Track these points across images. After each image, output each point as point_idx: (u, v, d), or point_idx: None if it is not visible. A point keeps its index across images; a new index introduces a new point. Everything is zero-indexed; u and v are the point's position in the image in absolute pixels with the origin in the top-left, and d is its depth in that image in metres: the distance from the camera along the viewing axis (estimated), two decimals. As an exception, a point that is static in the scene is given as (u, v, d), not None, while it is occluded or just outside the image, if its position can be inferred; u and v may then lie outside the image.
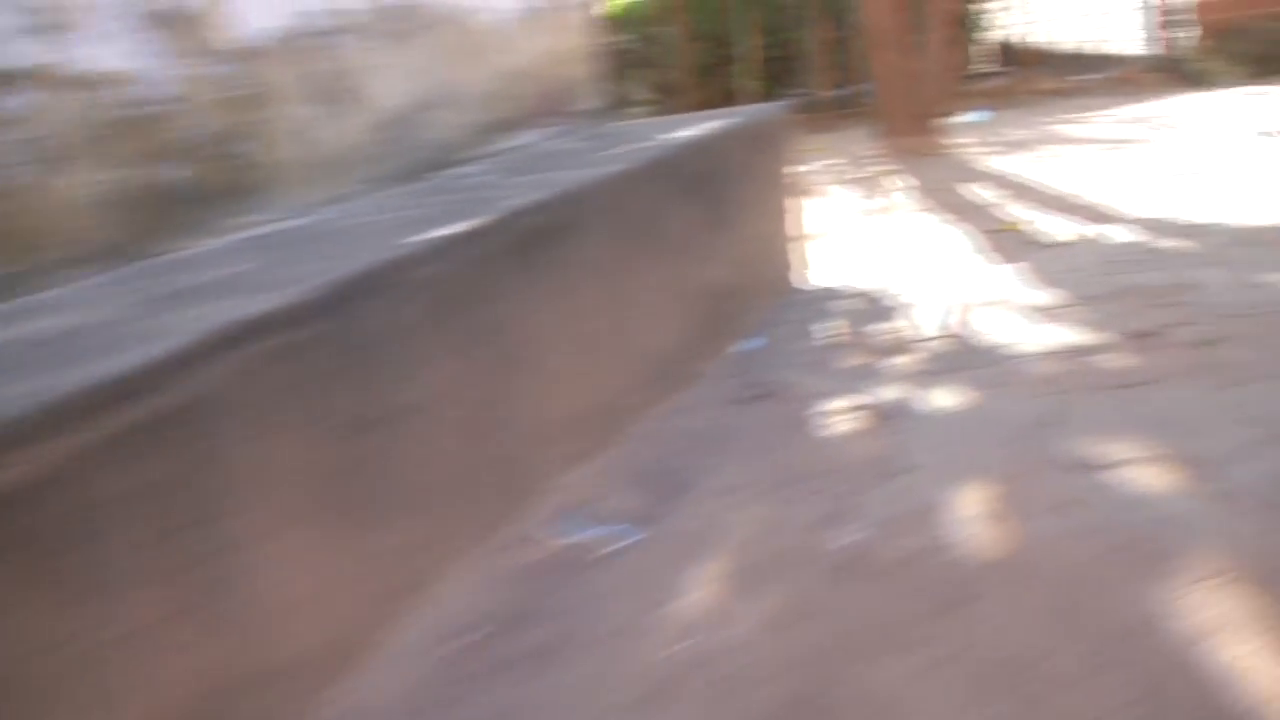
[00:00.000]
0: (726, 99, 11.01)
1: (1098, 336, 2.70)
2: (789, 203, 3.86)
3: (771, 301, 3.39)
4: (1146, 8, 9.82)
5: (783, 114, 3.86)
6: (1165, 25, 9.59)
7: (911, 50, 6.92)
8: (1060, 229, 4.21)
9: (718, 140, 3.11)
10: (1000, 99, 9.76)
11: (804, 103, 10.32)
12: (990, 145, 7.01)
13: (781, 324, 3.22)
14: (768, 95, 10.39)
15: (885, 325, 3.09)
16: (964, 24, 10.62)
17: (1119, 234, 3.91)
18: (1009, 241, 4.17)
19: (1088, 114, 8.24)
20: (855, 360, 2.80)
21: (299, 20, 2.36)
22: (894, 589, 1.65)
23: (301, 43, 2.35)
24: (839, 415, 2.40)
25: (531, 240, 2.06)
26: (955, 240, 4.28)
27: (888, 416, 2.34)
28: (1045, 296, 3.17)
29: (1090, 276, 3.36)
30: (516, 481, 2.01)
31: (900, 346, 2.86)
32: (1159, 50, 9.72)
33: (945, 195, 5.38)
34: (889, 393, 2.50)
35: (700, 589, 1.74)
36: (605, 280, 2.36)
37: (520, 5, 3.17)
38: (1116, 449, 1.99)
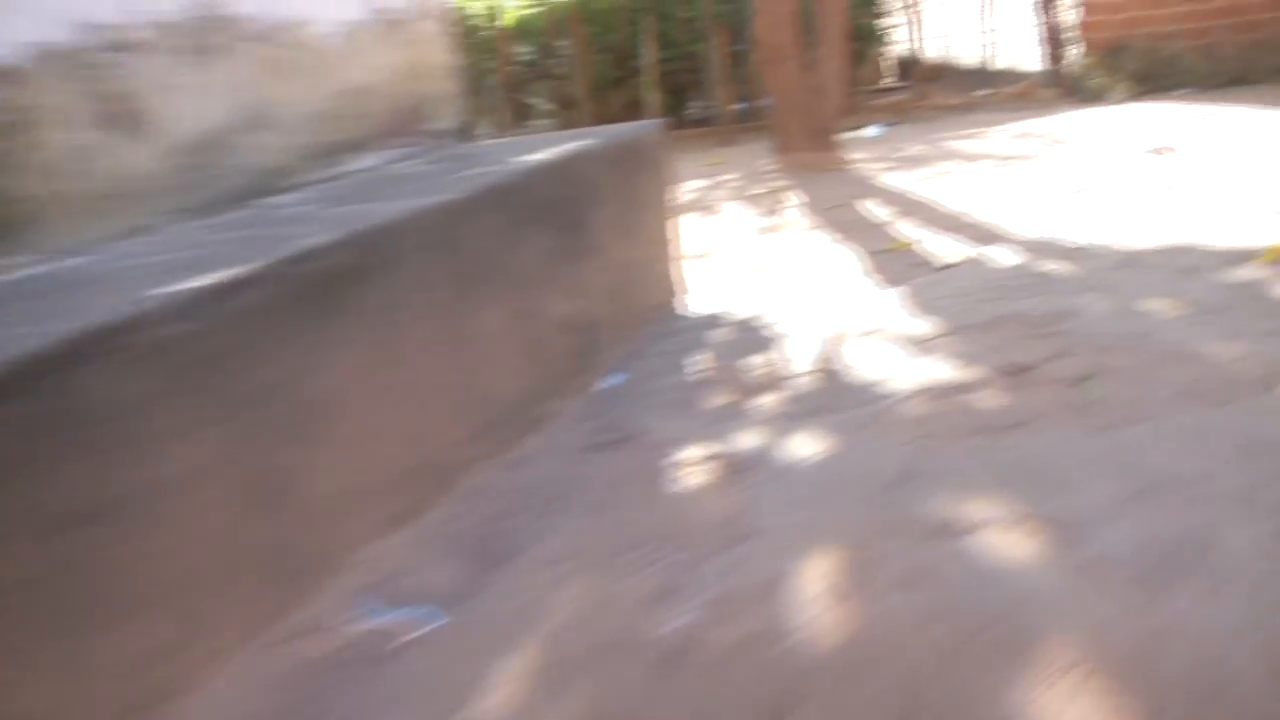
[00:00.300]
0: (629, 113, 10.81)
1: (971, 372, 2.52)
2: (669, 225, 3.65)
3: (644, 332, 3.17)
4: (1040, 25, 9.86)
5: (659, 132, 3.64)
6: (1055, 42, 9.64)
7: (805, 65, 6.77)
8: (948, 249, 4.06)
9: (579, 162, 2.87)
10: (899, 114, 9.72)
11: (706, 117, 10.18)
12: (886, 161, 6.90)
13: (651, 356, 2.99)
14: (670, 109, 10.22)
15: (758, 358, 2.88)
16: (864, 39, 10.58)
17: (1005, 255, 3.77)
18: (896, 262, 4.02)
19: (983, 129, 8.20)
20: (721, 399, 2.59)
21: (79, 34, 2.06)
22: (719, 686, 1.42)
23: (81, 59, 2.05)
24: (691, 466, 2.18)
25: (327, 283, 1.79)
26: (842, 261, 4.11)
27: (742, 468, 2.12)
28: (923, 325, 2.99)
29: (971, 303, 3.20)
30: (307, 560, 1.74)
31: (769, 383, 2.65)
32: (1052, 66, 9.77)
33: (837, 213, 5.22)
34: (748, 439, 2.28)
35: (505, 687, 1.50)
36: (430, 322, 2.10)
37: (364, 17, 2.90)
38: (978, 508, 1.80)
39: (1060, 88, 9.59)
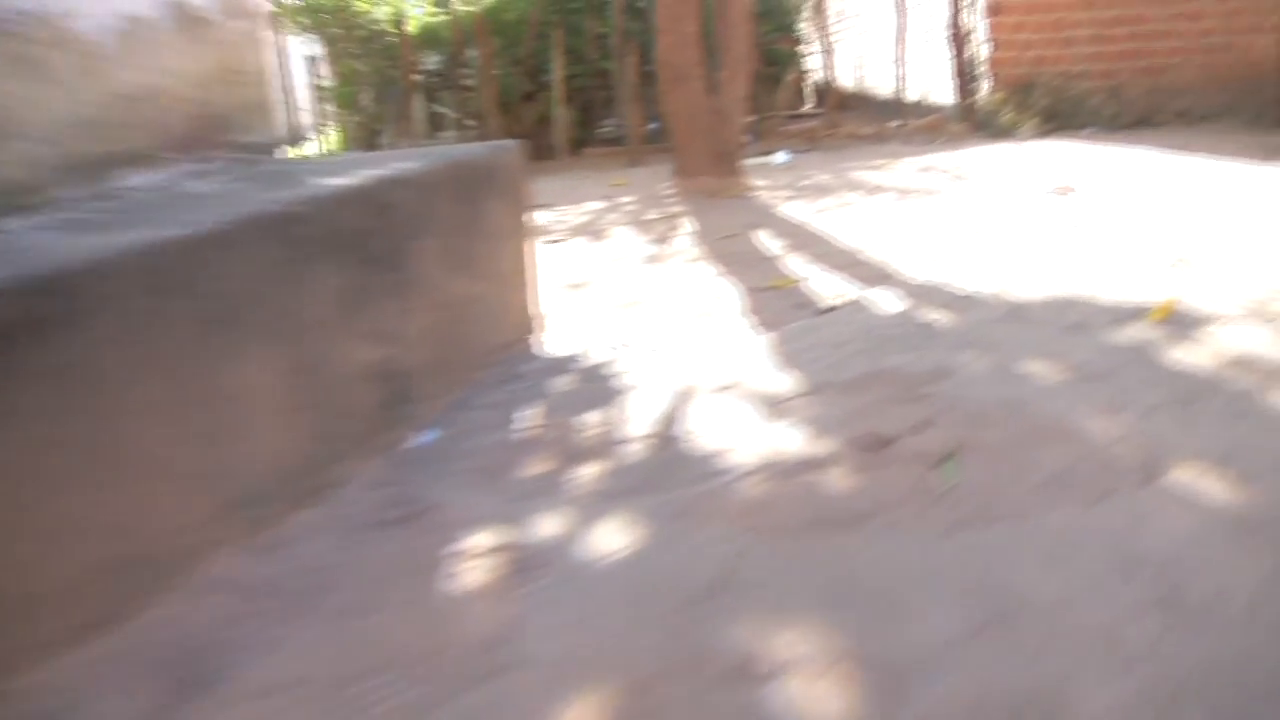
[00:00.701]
0: (538, 129, 10.43)
1: (823, 444, 2.18)
2: (525, 255, 3.27)
3: (478, 378, 2.78)
4: (950, 59, 9.71)
5: (514, 154, 3.27)
6: (964, 77, 9.49)
7: (708, 87, 6.46)
8: (833, 289, 3.76)
9: (394, 187, 2.48)
10: (811, 140, 9.48)
11: (617, 136, 9.84)
12: (788, 189, 6.61)
13: (477, 409, 2.61)
14: (581, 127, 9.87)
15: (595, 414, 2.51)
16: (778, 63, 10.34)
17: (889, 300, 3.47)
18: (777, 302, 3.70)
19: (890, 160, 7.98)
20: (537, 467, 2.21)
21: None
22: None
23: None
24: (475, 559, 1.80)
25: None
26: (722, 298, 3.79)
27: (531, 565, 1.74)
28: (786, 380, 2.65)
29: (843, 355, 2.87)
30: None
31: (597, 449, 2.28)
32: (962, 101, 9.62)
33: (728, 244, 4.90)
34: (550, 525, 1.90)
35: None
36: (156, 380, 1.69)
37: (152, 12, 2.47)
38: (791, 640, 1.44)
39: (969, 122, 9.44)
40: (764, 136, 9.55)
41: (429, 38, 9.84)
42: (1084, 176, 6.31)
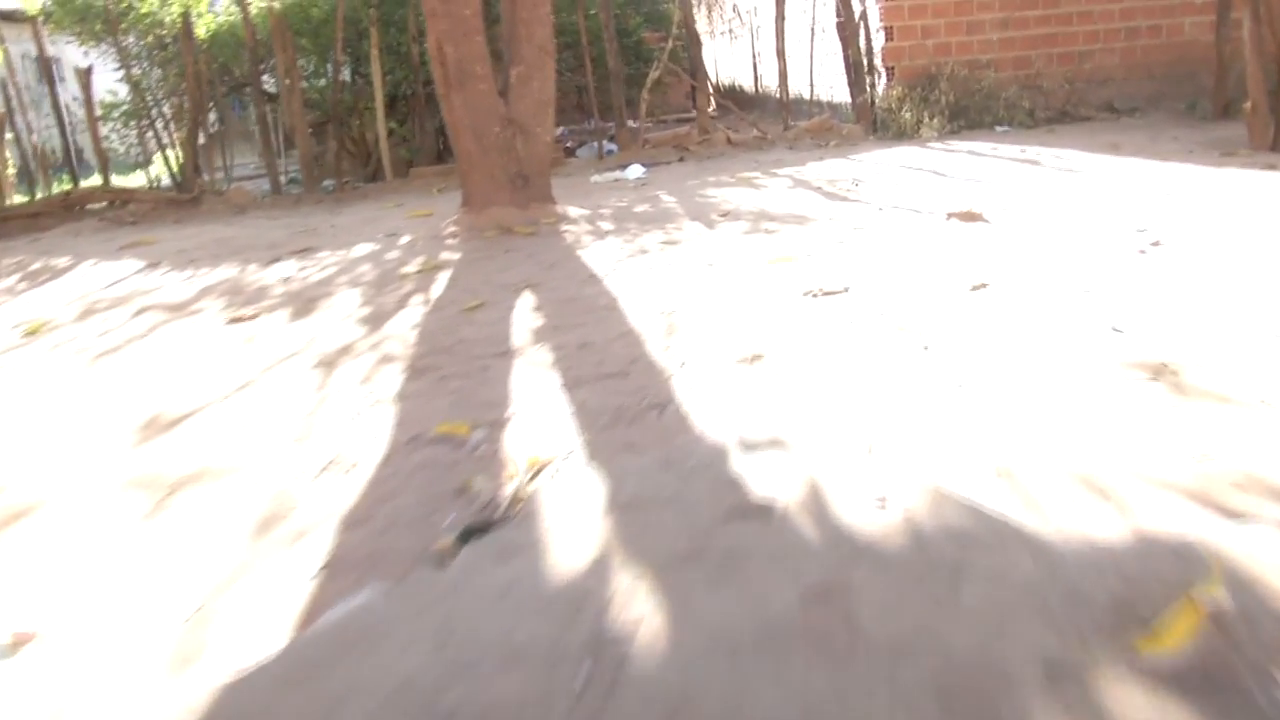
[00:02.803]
0: (357, 144, 8.42)
1: None
2: None
3: None
4: (841, 50, 7.84)
5: None
6: (855, 70, 7.62)
7: (497, 88, 4.51)
8: (535, 444, 1.86)
9: None
10: (681, 149, 7.55)
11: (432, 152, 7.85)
12: (611, 220, 4.68)
13: None
14: (407, 141, 7.87)
15: None
16: (645, 60, 8.40)
17: (592, 521, 1.55)
18: (416, 484, 1.78)
19: (761, 173, 6.08)
20: None
21: None
22: None
23: None
24: None
25: None
26: (322, 488, 1.86)
27: None
28: None
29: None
30: None
31: None
32: (857, 98, 7.75)
33: (460, 325, 3.00)
34: None
35: None
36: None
37: None
38: None
39: (865, 122, 7.58)
40: (625, 146, 7.61)
41: (220, 42, 7.76)
42: (996, 191, 4.46)
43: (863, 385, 2.04)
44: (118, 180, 8.75)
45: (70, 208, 7.53)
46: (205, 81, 7.35)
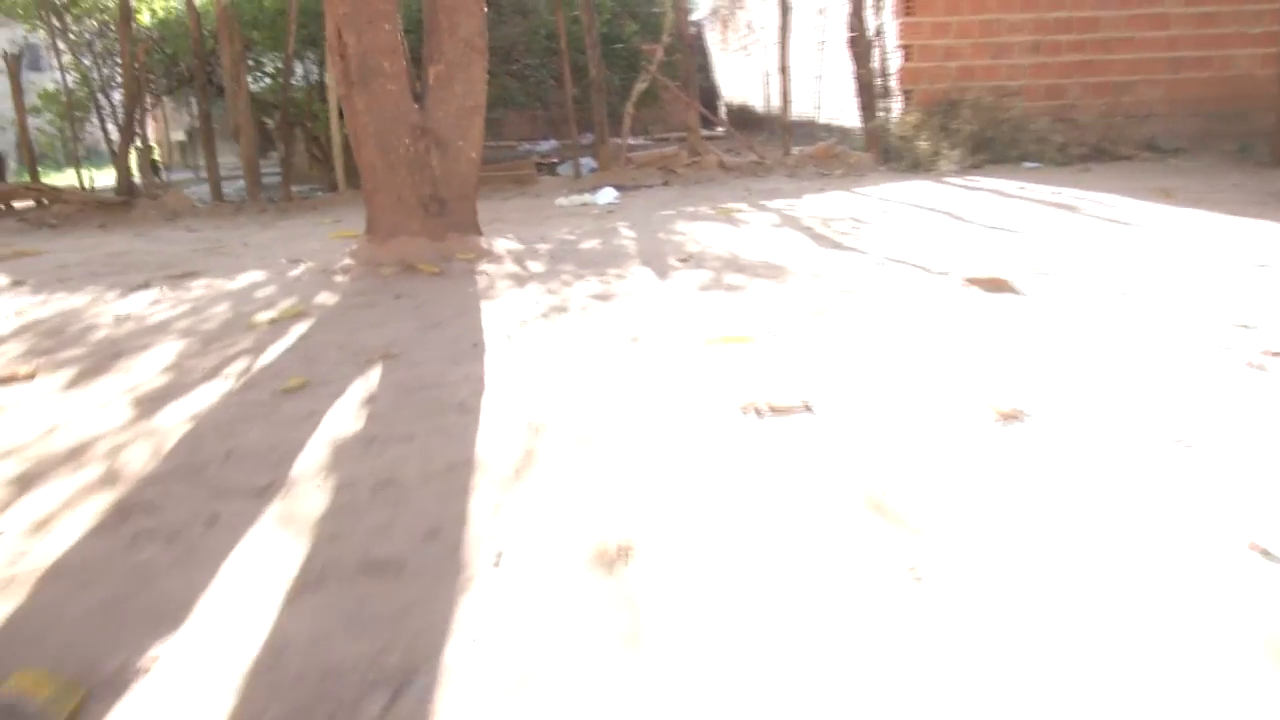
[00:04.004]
0: (317, 145, 7.44)
1: None
2: None
3: None
4: (852, 70, 6.80)
5: None
6: (867, 92, 6.57)
7: (404, 90, 3.50)
8: None
9: None
10: (668, 172, 6.52)
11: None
12: (544, 260, 3.67)
13: None
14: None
15: None
16: (632, 67, 7.38)
17: None
18: None
19: (745, 206, 5.04)
20: None
21: None
22: None
23: None
24: None
25: None
26: None
27: None
28: None
29: None
30: None
31: None
32: (868, 123, 6.69)
33: (230, 432, 1.96)
34: None
35: None
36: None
37: None
38: None
39: (875, 150, 6.53)
40: (606, 165, 6.59)
41: (179, 31, 6.79)
42: (1027, 246, 3.41)
43: (790, 666, 1.01)
44: (56, 179, 7.80)
45: (-9, 206, 6.58)
46: (144, 74, 6.37)
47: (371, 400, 2.11)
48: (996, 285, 2.72)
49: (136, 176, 7.11)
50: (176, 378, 2.42)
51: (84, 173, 7.03)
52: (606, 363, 2.24)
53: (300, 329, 2.82)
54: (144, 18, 6.56)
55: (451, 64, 3.56)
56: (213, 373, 2.44)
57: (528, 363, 2.30)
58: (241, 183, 7.24)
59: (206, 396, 2.23)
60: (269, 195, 6.92)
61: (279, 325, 2.89)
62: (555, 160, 7.97)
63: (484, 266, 3.48)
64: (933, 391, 1.89)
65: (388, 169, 3.54)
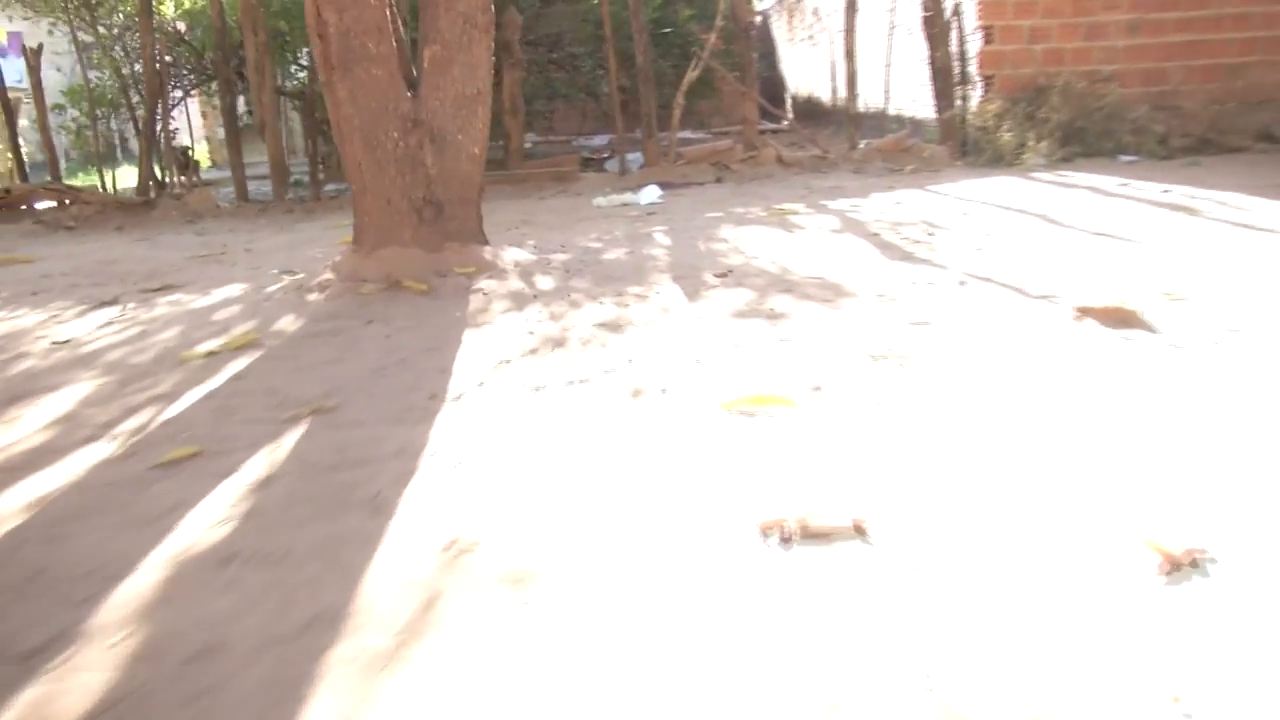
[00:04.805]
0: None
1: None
2: None
3: None
4: (926, 56, 6.03)
5: None
6: (944, 79, 5.82)
7: (394, 76, 2.92)
8: None
9: None
10: (719, 168, 5.86)
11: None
12: (548, 278, 3.06)
13: None
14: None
15: None
16: (686, 55, 6.71)
17: None
18: None
19: (803, 208, 4.37)
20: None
21: None
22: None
23: None
24: None
25: None
26: None
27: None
28: None
29: None
30: None
31: None
32: (944, 113, 5.93)
33: (30, 543, 1.36)
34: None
35: None
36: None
37: None
38: None
39: (951, 143, 5.78)
40: (653, 162, 5.95)
41: (201, 22, 6.35)
42: (1148, 259, 2.69)
43: None
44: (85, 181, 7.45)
45: (13, 206, 6.22)
46: (165, 68, 5.93)
47: (265, 486, 1.52)
48: (1120, 318, 2.03)
49: (167, 175, 6.70)
50: (58, 436, 1.87)
51: (115, 172, 6.63)
52: (587, 436, 1.62)
53: (238, 366, 2.26)
54: (168, 8, 6.10)
55: (449, 44, 2.97)
56: (102, 430, 1.88)
57: (486, 429, 1.69)
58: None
59: (72, 468, 1.67)
60: (300, 195, 6.45)
61: (216, 360, 2.33)
62: (606, 155, 7.37)
63: (483, 283, 2.88)
64: (1046, 505, 1.23)
65: (374, 168, 2.96)
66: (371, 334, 2.45)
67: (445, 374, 2.06)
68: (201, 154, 8.11)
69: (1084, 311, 2.08)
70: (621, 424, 1.66)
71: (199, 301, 3.15)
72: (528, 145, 8.06)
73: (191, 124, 6.90)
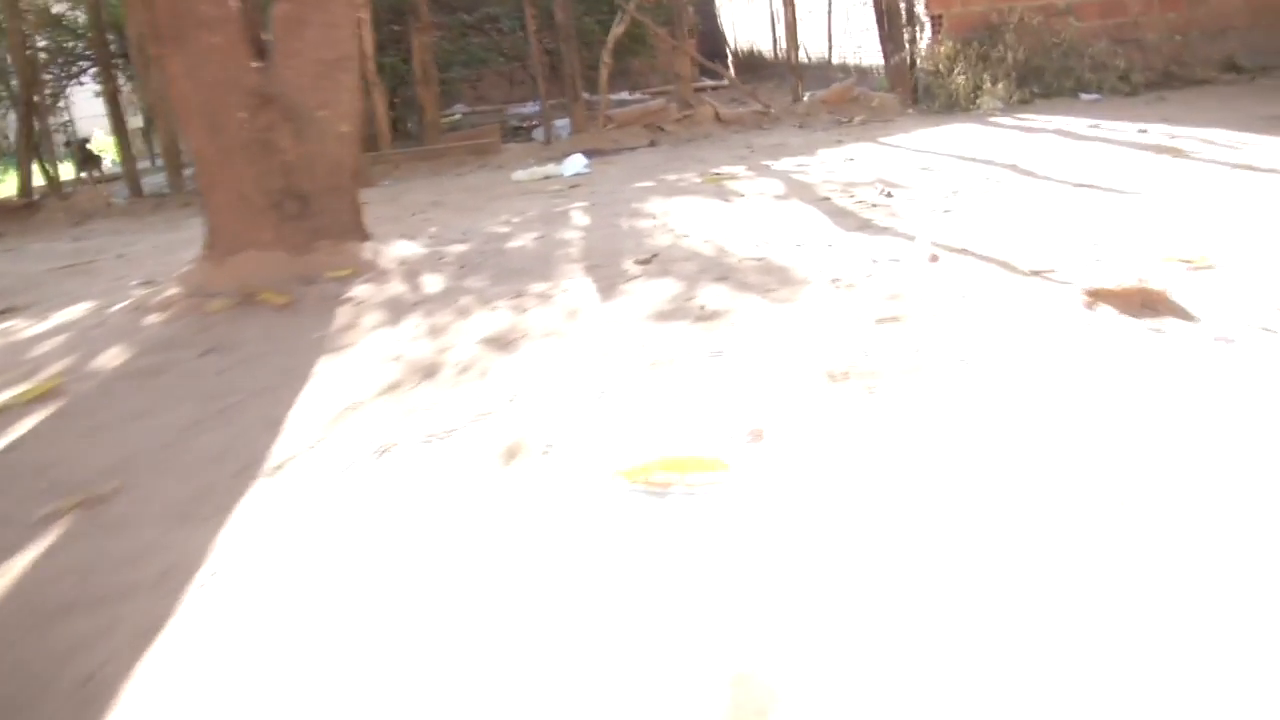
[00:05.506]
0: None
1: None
2: None
3: None
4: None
5: None
6: (892, 23, 5.29)
7: (236, 43, 2.33)
8: None
9: None
10: (652, 130, 5.31)
11: (419, 132, 5.69)
12: (438, 276, 2.51)
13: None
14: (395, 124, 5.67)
15: None
16: (613, 10, 6.11)
17: None
18: None
19: (744, 169, 3.84)
20: None
21: None
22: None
23: None
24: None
25: None
26: None
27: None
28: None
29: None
30: None
31: None
32: (892, 58, 5.41)
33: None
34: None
35: None
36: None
37: None
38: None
39: (902, 89, 5.27)
40: (581, 127, 5.38)
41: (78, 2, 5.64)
42: (1152, 214, 2.21)
43: None
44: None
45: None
46: (36, 54, 5.24)
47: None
48: (1143, 301, 1.54)
49: (60, 173, 6.01)
50: None
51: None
52: (433, 534, 1.10)
53: (20, 430, 1.71)
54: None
55: (302, 3, 2.39)
56: None
57: (295, 528, 1.17)
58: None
59: None
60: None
61: (1, 420, 1.78)
62: (535, 124, 6.76)
63: (357, 289, 2.34)
64: (1098, 615, 0.74)
65: (220, 157, 2.40)
66: (202, 370, 1.91)
67: (274, 429, 1.53)
68: (109, 146, 7.38)
69: (1095, 295, 1.60)
70: (486, 510, 1.15)
71: (31, 329, 2.58)
72: (456, 116, 7.43)
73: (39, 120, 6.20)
